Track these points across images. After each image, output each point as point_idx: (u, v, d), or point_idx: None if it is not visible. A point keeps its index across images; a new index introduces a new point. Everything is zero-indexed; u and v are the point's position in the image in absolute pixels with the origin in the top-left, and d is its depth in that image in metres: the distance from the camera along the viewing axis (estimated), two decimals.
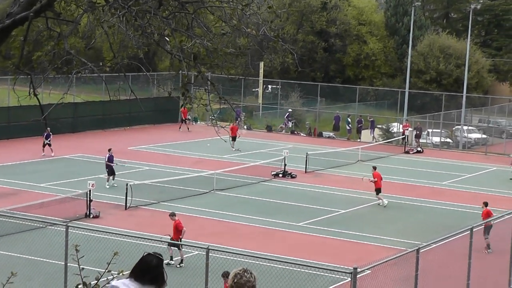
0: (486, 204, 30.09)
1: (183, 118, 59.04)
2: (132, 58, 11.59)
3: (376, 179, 36.39)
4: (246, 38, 10.72)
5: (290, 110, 63.51)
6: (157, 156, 47.44)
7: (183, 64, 9.19)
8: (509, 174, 44.87)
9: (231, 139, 48.77)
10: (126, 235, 24.32)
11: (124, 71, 11.98)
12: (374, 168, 37.62)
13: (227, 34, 10.06)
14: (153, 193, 35.72)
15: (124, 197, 33.42)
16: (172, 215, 26.76)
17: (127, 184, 33.70)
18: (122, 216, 32.41)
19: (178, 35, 9.64)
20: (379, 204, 36.21)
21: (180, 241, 25.48)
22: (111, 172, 37.85)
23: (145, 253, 6.01)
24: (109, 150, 38.62)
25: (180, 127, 58.61)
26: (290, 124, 62.20)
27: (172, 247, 25.71)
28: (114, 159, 38.39)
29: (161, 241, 24.64)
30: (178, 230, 26.00)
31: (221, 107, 54.01)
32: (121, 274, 6.09)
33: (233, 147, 49.26)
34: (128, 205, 33.46)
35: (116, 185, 37.34)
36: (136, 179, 37.00)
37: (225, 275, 19.26)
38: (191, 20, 9.78)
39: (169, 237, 25.73)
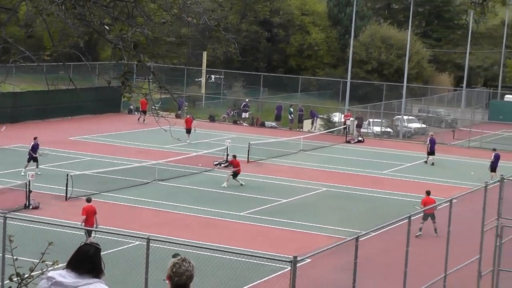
0: (428, 192, 30.95)
1: (142, 110, 57.79)
2: (73, 47, 11.50)
3: (238, 168, 37.90)
4: (188, 27, 10.72)
5: (247, 100, 63.31)
6: (99, 146, 47.05)
7: (124, 53, 9.14)
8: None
9: (185, 131, 48.88)
10: (65, 226, 24.14)
11: (63, 60, 11.87)
12: (234, 156, 38.85)
13: (168, 23, 10.03)
14: (94, 184, 35.44)
15: (65, 188, 33.09)
16: (87, 200, 27.07)
17: (67, 175, 33.35)
18: (63, 207, 32.08)
19: (120, 24, 9.58)
20: (224, 185, 37.23)
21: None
22: (30, 159, 37.49)
23: (82, 243, 5.99)
24: (35, 138, 38.28)
25: (139, 119, 57.32)
26: (247, 115, 61.93)
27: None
28: (40, 147, 37.95)
29: (101, 231, 24.50)
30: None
31: (161, 96, 53.85)
32: (55, 264, 6.04)
33: (187, 140, 48.97)
34: (68, 195, 33.13)
35: (40, 173, 36.70)
36: (78, 170, 36.64)
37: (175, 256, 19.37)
38: (131, 9, 9.73)
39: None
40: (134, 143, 48.73)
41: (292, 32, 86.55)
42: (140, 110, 58.46)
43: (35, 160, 37.55)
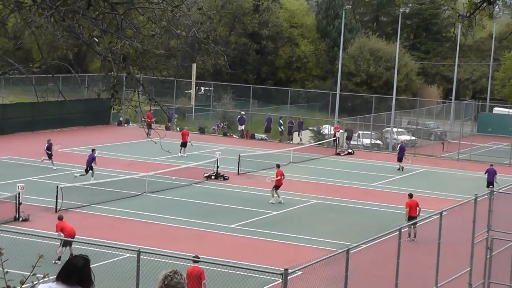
0: (410, 195, 31.92)
1: (148, 124, 55.85)
2: (63, 59, 11.45)
3: (279, 177, 37.18)
4: (177, 40, 10.71)
5: (243, 112, 63.19)
6: None
7: (113, 65, 9.12)
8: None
9: (180, 144, 48.74)
10: (55, 238, 24.01)
11: (52, 72, 11.82)
12: (278, 166, 38.60)
13: (157, 35, 10.03)
14: (84, 196, 35.34)
15: (55, 200, 32.95)
16: (58, 218, 27.12)
17: (57, 187, 33.21)
18: (52, 219, 31.80)
19: (109, 36, 9.56)
20: (272, 202, 36.74)
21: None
22: (90, 168, 39.31)
23: (72, 255, 5.97)
24: (93, 150, 40.35)
25: (148, 133, 55.33)
26: (243, 127, 61.69)
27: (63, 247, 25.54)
28: (96, 158, 39.88)
29: (91, 243, 24.38)
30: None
31: (151, 108, 53.67)
32: (46, 277, 6.01)
33: (184, 154, 48.75)
34: (58, 208, 32.99)
35: (93, 180, 38.37)
36: (67, 182, 36.50)
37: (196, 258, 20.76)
38: (120, 21, 9.71)
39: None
40: (124, 155, 48.61)
41: (281, 45, 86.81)
42: (147, 123, 55.55)
43: (89, 170, 39.20)
